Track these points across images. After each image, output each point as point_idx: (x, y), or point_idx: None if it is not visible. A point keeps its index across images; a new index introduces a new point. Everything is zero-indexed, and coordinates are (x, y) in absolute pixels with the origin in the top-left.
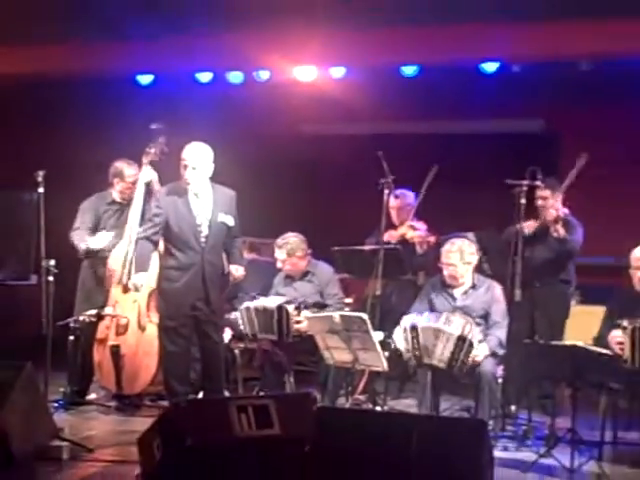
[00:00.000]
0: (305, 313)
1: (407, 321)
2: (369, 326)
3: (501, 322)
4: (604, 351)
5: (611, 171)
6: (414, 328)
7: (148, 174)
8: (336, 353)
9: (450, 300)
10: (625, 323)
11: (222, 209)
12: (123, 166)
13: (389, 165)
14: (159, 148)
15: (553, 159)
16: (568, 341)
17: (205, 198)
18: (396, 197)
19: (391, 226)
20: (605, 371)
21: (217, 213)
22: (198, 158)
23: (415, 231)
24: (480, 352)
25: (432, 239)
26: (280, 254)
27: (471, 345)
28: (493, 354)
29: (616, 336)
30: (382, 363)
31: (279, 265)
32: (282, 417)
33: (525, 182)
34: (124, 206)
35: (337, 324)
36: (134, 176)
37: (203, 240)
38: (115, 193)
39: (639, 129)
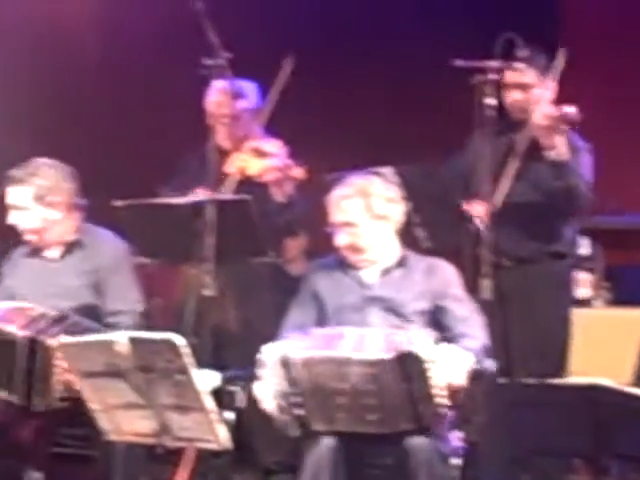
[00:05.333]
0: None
1: (274, 350)
2: (188, 360)
3: (471, 317)
4: None
5: None
6: (286, 362)
7: None
8: (125, 418)
9: (356, 286)
10: None
11: None
12: None
13: (221, 30)
14: None
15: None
16: (580, 378)
17: None
18: (236, 95)
19: (221, 154)
20: None
21: None
22: None
23: (264, 158)
24: (453, 363)
25: (300, 172)
26: (18, 197)
27: (425, 362)
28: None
29: None
30: (217, 434)
31: (12, 220)
32: None
33: (494, 63)
34: None
35: (122, 356)
36: None
37: None
38: None
39: None
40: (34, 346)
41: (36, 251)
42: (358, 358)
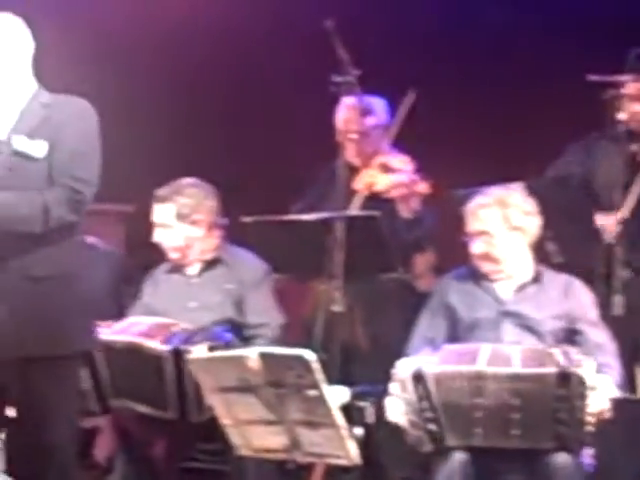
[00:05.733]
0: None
1: (408, 365)
2: (319, 375)
3: (606, 344)
4: None
5: None
6: (420, 377)
7: None
8: (255, 433)
9: (492, 300)
10: None
11: (31, 129)
12: None
13: (349, 47)
14: None
15: None
16: None
17: (5, 111)
18: (365, 112)
19: (350, 170)
20: None
21: (16, 135)
22: None
23: (391, 174)
24: (603, 392)
25: (425, 187)
26: (162, 215)
27: (585, 385)
28: None
29: None
30: (348, 449)
31: (157, 238)
32: None
33: (627, 78)
34: None
35: (253, 372)
36: None
37: None
38: None
39: None
40: (179, 359)
41: (177, 268)
42: (513, 372)
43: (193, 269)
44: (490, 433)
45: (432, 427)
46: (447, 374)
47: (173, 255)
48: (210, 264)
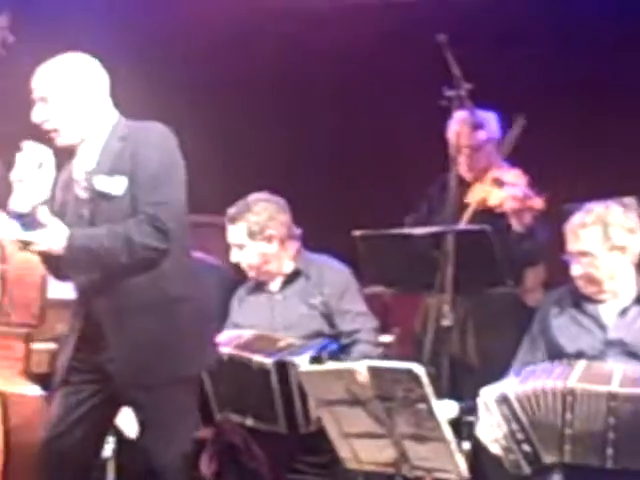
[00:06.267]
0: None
1: (492, 392)
2: (428, 390)
3: None
4: None
5: None
6: (505, 400)
7: None
8: (363, 446)
9: (595, 327)
10: None
11: (110, 166)
12: None
13: (462, 62)
14: None
15: None
16: None
17: (88, 149)
18: (477, 126)
19: (462, 184)
20: None
21: (97, 174)
22: (53, 80)
23: (503, 188)
24: None
25: (539, 202)
26: (235, 235)
27: None
28: None
29: None
30: (457, 464)
31: (233, 259)
32: None
33: None
34: None
35: (362, 385)
36: None
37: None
38: None
39: None
40: (284, 371)
41: (260, 285)
42: (607, 390)
43: (275, 285)
44: (582, 451)
45: (526, 448)
46: (531, 392)
47: (252, 273)
48: (291, 278)
